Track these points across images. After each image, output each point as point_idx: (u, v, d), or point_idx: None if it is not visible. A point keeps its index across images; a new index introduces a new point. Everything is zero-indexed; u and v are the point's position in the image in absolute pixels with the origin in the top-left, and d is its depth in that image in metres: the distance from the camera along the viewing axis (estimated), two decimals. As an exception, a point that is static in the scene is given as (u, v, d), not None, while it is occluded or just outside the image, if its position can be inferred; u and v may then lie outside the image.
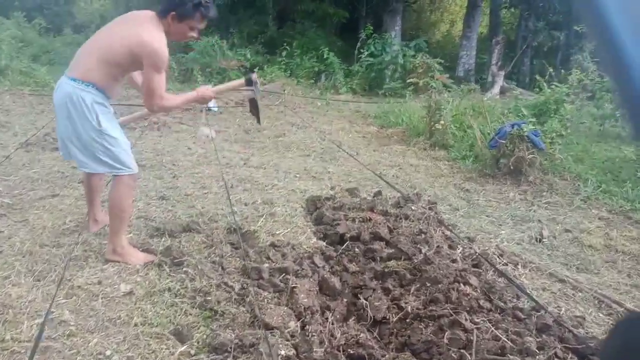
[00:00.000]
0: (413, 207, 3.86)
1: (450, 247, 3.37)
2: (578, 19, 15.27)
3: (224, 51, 11.92)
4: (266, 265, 2.96)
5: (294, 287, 2.66)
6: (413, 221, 3.69)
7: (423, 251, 3.18)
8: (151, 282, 2.82)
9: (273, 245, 3.27)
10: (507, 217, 4.43)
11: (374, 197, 4.34)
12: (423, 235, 3.41)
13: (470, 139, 6.65)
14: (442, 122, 6.64)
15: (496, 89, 12.25)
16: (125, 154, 2.87)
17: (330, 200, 4.21)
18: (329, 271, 3.09)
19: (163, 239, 3.35)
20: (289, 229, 3.60)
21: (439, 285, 2.76)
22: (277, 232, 3.54)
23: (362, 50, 12.43)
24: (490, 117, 7.53)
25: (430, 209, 4.01)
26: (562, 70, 9.48)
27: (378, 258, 3.17)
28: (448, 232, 3.68)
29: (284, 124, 7.87)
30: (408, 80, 10.38)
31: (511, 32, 18.35)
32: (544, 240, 3.92)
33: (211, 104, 8.45)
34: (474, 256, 3.24)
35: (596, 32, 0.52)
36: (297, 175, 5.08)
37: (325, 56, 12.14)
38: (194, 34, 2.93)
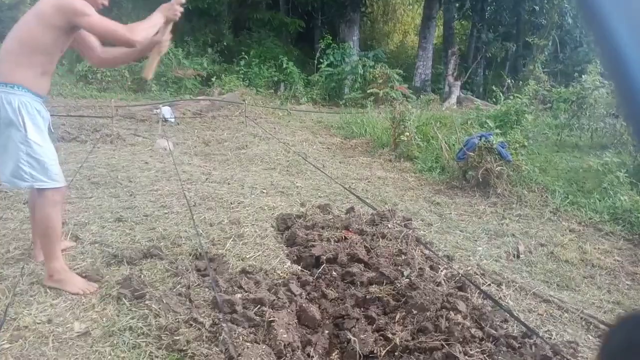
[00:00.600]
0: (389, 225, 3.70)
1: (431, 268, 3.21)
2: (527, 31, 15.80)
3: (179, 60, 11.51)
4: (239, 295, 2.70)
5: (272, 321, 2.42)
6: (390, 240, 3.52)
7: (406, 274, 3.01)
8: (109, 320, 2.51)
9: (244, 271, 3.02)
10: (481, 231, 4.34)
11: (346, 213, 4.15)
12: (403, 256, 3.24)
13: (435, 150, 6.60)
14: (407, 133, 6.56)
15: (453, 99, 12.41)
16: (52, 165, 2.58)
17: (302, 218, 4.00)
18: (306, 298, 2.87)
19: (121, 267, 3.03)
20: (260, 252, 3.35)
21: (427, 313, 2.58)
22: (248, 256, 3.28)
23: (321, 60, 12.31)
24: (453, 127, 7.54)
25: (406, 226, 3.85)
26: (514, 81, 9.68)
27: (358, 282, 2.97)
28: (427, 251, 3.52)
29: (246, 135, 7.59)
30: (368, 91, 10.33)
31: (462, 43, 18.78)
32: (521, 256, 3.84)
33: (167, 114, 8.09)
34: (457, 277, 3.09)
35: (595, 34, 0.50)
36: (264, 191, 4.83)
37: (284, 65, 11.93)
38: (104, 2, 2.67)
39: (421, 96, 10.26)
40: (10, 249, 3.21)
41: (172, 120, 8.11)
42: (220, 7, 15.20)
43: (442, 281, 3.00)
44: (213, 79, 11.62)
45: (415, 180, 5.83)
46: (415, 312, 2.63)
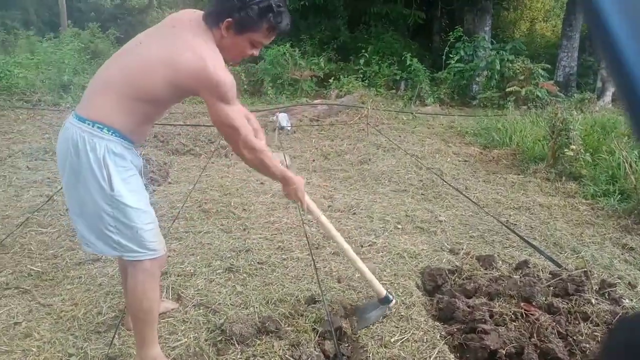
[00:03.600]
0: (592, 299, 2.60)
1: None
2: None
3: (296, 60, 10.96)
4: None
5: None
6: (598, 325, 2.44)
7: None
8: None
9: (392, 372, 2.15)
10: None
11: (517, 269, 3.11)
12: None
13: (610, 168, 5.21)
14: (573, 146, 5.25)
15: (608, 97, 10.49)
16: (148, 232, 1.91)
17: (456, 275, 3.04)
18: None
19: (230, 349, 2.32)
20: (408, 333, 2.45)
21: None
22: (392, 340, 2.40)
23: (450, 55, 11.03)
24: (616, 136, 6.05)
25: (611, 297, 2.73)
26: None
27: (566, 407, 1.96)
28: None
29: (368, 146, 6.73)
30: (507, 89, 8.94)
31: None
32: None
33: (284, 122, 7.49)
34: None
35: (597, 37, 0.48)
36: (399, 226, 3.93)
37: (408, 62, 10.85)
38: (255, 52, 1.96)
39: (574, 95, 8.69)
40: (103, 308, 2.66)
41: (289, 128, 7.51)
42: (337, 2, 14.50)
43: None
44: (330, 80, 10.93)
45: (589, 211, 4.55)
46: None
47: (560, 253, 3.55)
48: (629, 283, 3.22)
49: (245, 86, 10.66)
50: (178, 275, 2.97)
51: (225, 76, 1.79)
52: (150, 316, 2.03)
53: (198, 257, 3.22)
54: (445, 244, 3.56)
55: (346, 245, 2.48)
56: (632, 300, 2.96)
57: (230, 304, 2.69)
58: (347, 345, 2.40)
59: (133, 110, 1.82)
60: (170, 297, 2.75)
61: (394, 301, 2.55)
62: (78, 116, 1.83)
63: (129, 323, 2.39)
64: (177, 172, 5.29)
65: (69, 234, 3.56)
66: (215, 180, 4.94)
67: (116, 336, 2.38)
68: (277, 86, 10.56)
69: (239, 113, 1.90)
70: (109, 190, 1.80)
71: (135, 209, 1.85)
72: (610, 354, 0.53)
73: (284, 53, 10.95)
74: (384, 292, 2.52)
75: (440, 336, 2.44)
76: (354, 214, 4.21)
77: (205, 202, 4.27)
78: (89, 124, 1.79)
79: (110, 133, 1.80)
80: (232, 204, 4.25)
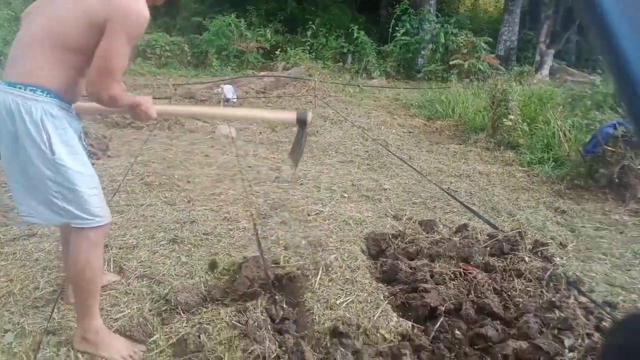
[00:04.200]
0: (525, 257, 2.75)
1: (599, 329, 2.26)
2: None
3: (241, 31, 10.71)
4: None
5: None
6: (530, 281, 2.58)
7: (568, 344, 2.09)
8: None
9: (337, 332, 2.20)
10: (631, 255, 3.30)
11: (457, 232, 3.23)
12: (557, 312, 2.30)
13: (545, 137, 5.47)
14: (511, 116, 5.45)
15: (545, 70, 10.92)
16: (92, 197, 1.85)
17: (399, 239, 3.12)
18: (425, 377, 2.03)
19: (175, 318, 2.30)
20: (353, 295, 2.51)
21: None
22: (338, 302, 2.45)
23: (397, 28, 11.09)
24: (552, 106, 6.34)
25: (543, 256, 2.89)
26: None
27: (499, 356, 2.08)
28: (583, 299, 2.56)
29: (315, 119, 6.73)
30: (451, 62, 9.13)
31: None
32: None
33: (229, 94, 7.35)
34: None
35: (595, 33, 0.48)
36: (345, 195, 3.98)
37: (355, 35, 10.84)
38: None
39: (514, 68, 8.98)
40: (40, 283, 2.56)
41: (234, 100, 7.37)
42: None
43: None
44: (277, 52, 10.78)
45: (525, 177, 4.78)
46: None
47: (498, 217, 3.71)
48: (560, 243, 3.42)
49: (189, 58, 10.35)
50: (120, 248, 2.89)
51: (143, 9, 1.72)
52: (93, 286, 1.97)
53: (141, 230, 3.15)
54: (389, 211, 3.65)
55: (233, 111, 2.38)
56: (562, 258, 3.16)
57: (175, 275, 2.66)
58: (293, 309, 2.44)
59: (61, 63, 1.74)
60: (112, 270, 2.68)
61: (309, 115, 2.31)
62: (7, 82, 1.74)
63: (69, 297, 2.32)
64: (117, 146, 5.11)
65: (1, 210, 3.38)
66: (158, 153, 4.81)
67: (55, 310, 2.30)
68: (222, 58, 10.32)
69: (125, 60, 1.78)
70: (49, 155, 1.72)
71: (78, 173, 1.79)
72: (606, 355, 0.54)
73: (229, 24, 10.68)
74: (294, 115, 2.30)
75: (383, 297, 2.52)
76: (302, 184, 4.23)
77: (148, 175, 4.16)
78: (20, 88, 1.71)
79: (44, 94, 1.72)
80: (175, 176, 4.16)
